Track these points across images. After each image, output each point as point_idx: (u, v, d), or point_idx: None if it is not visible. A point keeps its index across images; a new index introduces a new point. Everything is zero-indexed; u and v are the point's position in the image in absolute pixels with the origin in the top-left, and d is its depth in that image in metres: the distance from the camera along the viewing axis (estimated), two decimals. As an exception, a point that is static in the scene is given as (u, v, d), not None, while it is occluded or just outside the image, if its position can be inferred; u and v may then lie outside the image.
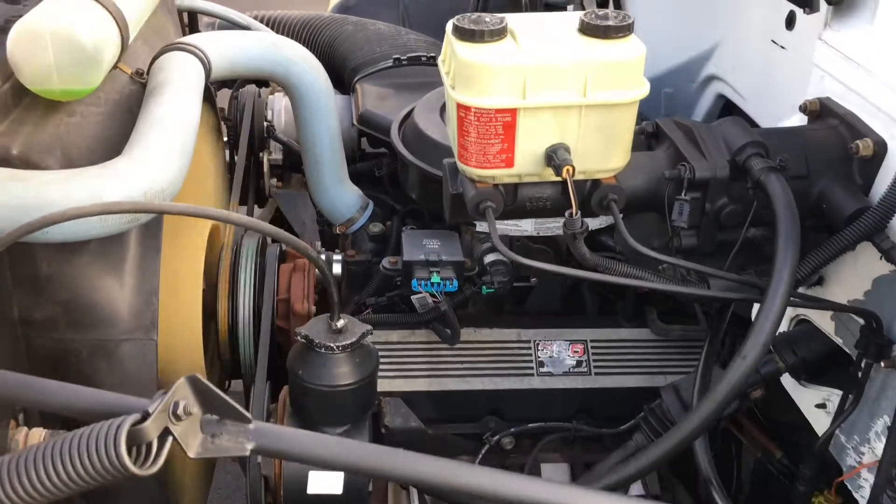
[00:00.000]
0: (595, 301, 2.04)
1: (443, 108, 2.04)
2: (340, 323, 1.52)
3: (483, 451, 1.80)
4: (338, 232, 2.09)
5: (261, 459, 1.51)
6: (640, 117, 1.32)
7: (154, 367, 1.49)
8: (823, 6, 1.46)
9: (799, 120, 1.66)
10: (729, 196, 1.28)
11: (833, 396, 1.45)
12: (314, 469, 1.42)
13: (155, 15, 1.98)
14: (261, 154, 2.44)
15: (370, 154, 2.32)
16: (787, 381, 1.53)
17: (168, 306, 1.62)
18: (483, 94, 1.14)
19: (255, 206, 2.57)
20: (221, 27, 2.71)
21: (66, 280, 1.44)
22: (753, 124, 2.18)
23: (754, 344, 1.11)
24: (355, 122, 2.26)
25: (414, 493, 1.72)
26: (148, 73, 1.69)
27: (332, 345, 1.49)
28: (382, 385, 1.75)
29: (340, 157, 2.00)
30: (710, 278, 1.25)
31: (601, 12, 1.20)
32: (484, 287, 1.82)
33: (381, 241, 2.04)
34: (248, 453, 0.84)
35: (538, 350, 1.88)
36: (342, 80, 2.59)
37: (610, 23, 1.17)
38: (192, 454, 0.82)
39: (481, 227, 1.81)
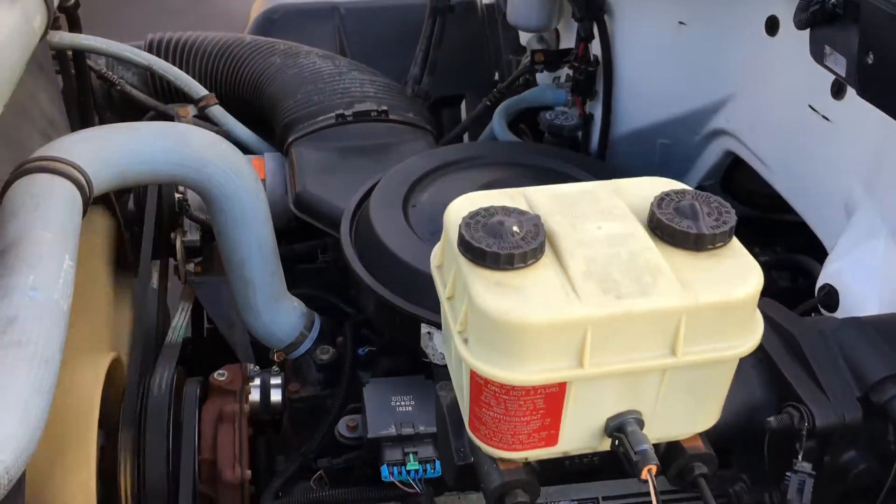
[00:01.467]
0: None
1: (405, 203, 1.59)
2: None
3: None
4: (275, 359, 1.64)
5: None
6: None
7: None
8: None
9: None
10: (857, 447, 0.88)
11: None
12: None
13: (19, 84, 1.47)
14: (172, 235, 1.95)
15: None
16: None
17: (50, 471, 1.19)
18: (517, 363, 0.70)
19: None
20: (115, 64, 2.19)
21: None
22: (781, 198, 1.80)
23: None
24: (291, 206, 1.80)
25: None
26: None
27: None
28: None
29: (276, 271, 1.54)
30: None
31: (680, 198, 0.77)
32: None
33: (332, 369, 1.61)
34: None
35: (539, 517, 1.49)
36: (272, 130, 2.12)
37: (704, 229, 0.74)
38: None
39: None
